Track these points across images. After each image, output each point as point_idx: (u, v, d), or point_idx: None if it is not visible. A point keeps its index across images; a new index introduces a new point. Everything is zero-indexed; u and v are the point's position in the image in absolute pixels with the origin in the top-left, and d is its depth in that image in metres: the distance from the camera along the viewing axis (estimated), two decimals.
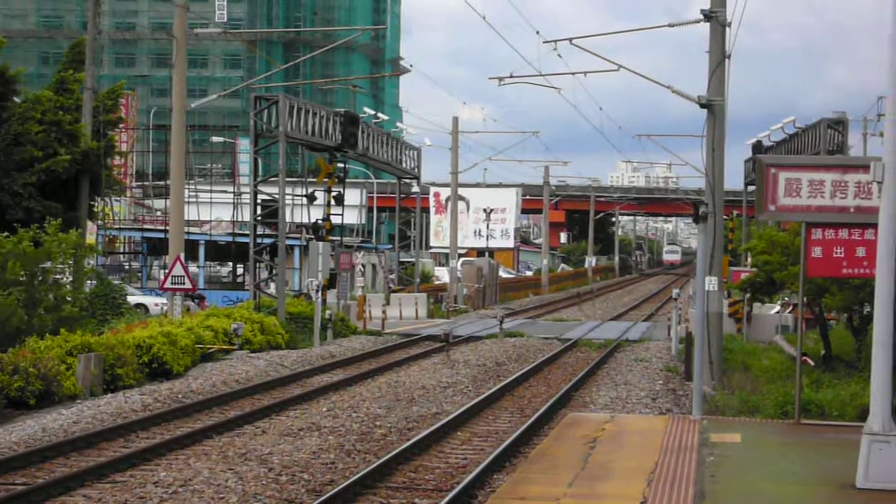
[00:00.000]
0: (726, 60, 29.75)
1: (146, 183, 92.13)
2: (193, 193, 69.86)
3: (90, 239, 41.60)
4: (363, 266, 62.18)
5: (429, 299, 60.15)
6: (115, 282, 46.66)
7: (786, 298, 43.55)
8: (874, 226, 17.27)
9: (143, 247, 66.70)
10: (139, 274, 66.09)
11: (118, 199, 67.49)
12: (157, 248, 64.02)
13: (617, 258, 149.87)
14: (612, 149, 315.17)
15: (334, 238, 49.24)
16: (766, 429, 21.74)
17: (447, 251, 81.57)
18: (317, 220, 47.44)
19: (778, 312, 44.66)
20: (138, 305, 46.66)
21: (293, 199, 58.51)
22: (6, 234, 32.97)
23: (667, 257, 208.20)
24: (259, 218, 44.98)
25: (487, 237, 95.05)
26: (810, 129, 51.21)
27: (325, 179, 48.01)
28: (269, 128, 43.13)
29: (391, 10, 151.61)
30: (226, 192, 78.94)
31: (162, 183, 79.79)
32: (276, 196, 43.81)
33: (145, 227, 70.90)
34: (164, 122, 74.66)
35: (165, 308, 40.77)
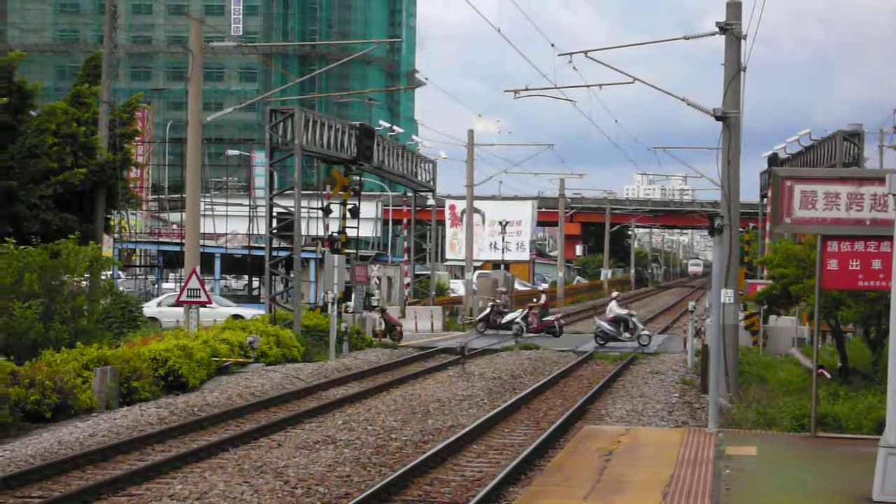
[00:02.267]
0: (741, 73, 29.75)
1: (162, 196, 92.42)
2: (209, 206, 70.05)
3: (107, 252, 41.67)
4: (378, 279, 62.16)
5: (444, 312, 60.13)
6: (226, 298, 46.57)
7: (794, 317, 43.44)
8: (890, 238, 17.25)
9: (159, 260, 66.82)
10: (155, 286, 66.15)
11: (134, 212, 67.62)
12: (172, 261, 64.14)
13: (633, 271, 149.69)
14: (627, 161, 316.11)
15: (349, 251, 49.26)
16: (783, 442, 21.70)
17: (462, 264, 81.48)
18: (332, 232, 47.49)
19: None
20: (236, 317, 46.26)
21: (309, 212, 58.61)
22: (23, 246, 33.06)
23: (691, 269, 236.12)
24: (274, 231, 45.04)
25: (503, 250, 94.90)
26: (826, 142, 51.15)
27: (341, 192, 48.07)
28: (284, 141, 43.23)
29: (406, 23, 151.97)
30: (241, 205, 79.17)
31: (178, 196, 79.99)
32: (292, 209, 43.88)
33: (161, 240, 71.02)
34: (180, 136, 74.86)
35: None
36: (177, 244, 61.70)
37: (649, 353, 46.06)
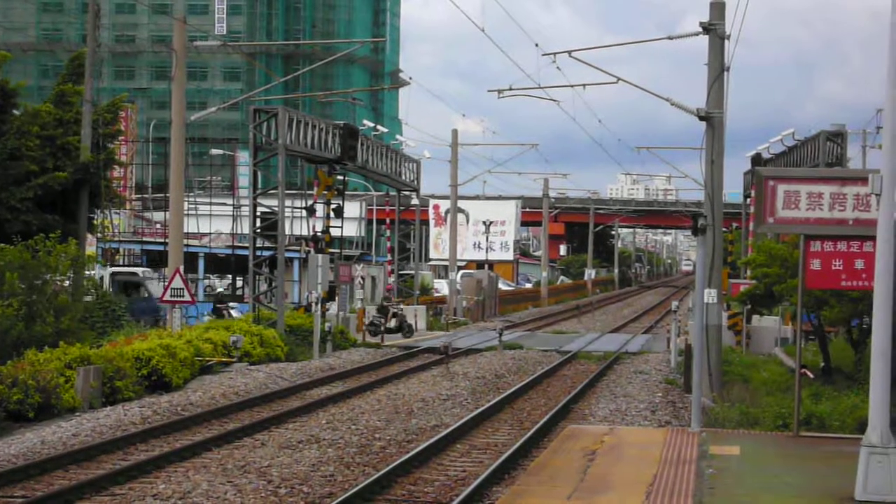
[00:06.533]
0: (725, 73, 29.78)
1: (146, 195, 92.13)
2: (193, 206, 69.88)
3: (90, 251, 41.52)
4: (362, 278, 62.13)
5: (428, 312, 60.14)
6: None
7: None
8: (873, 238, 17.28)
9: (142, 259, 66.62)
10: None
11: (118, 211, 67.43)
12: (156, 260, 63.98)
13: (616, 270, 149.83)
14: (611, 161, 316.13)
15: (334, 250, 49.21)
16: (766, 441, 21.73)
17: (446, 263, 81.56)
18: (316, 232, 47.44)
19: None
20: None
21: (292, 212, 58.51)
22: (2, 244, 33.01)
23: (683, 268, 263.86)
24: (258, 230, 44.98)
25: (487, 249, 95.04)
26: (809, 142, 51.25)
27: (325, 192, 48.02)
28: (268, 140, 43.17)
29: (390, 23, 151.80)
30: (225, 204, 78.86)
31: (161, 195, 79.75)
32: (276, 208, 43.84)
33: (145, 239, 70.83)
34: (164, 135, 74.60)
35: None
36: (160, 243, 61.53)
37: (633, 353, 46.12)
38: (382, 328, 51.63)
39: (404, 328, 53.22)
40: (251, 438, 23.73)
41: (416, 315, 58.06)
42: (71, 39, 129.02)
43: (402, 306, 55.88)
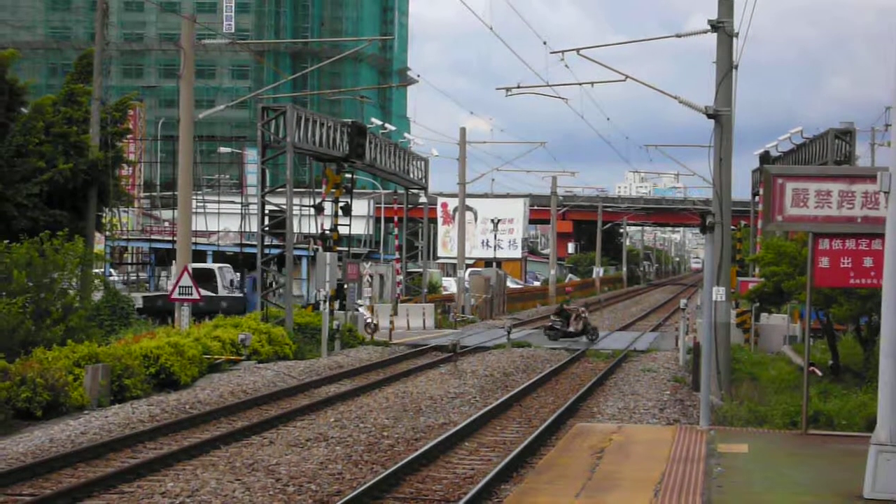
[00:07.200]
0: (733, 71, 29.72)
1: (154, 193, 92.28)
2: (201, 204, 69.96)
3: (98, 249, 41.58)
4: (370, 276, 62.19)
5: (436, 309, 60.12)
6: None
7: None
8: (881, 236, 17.26)
9: (150, 257, 66.72)
10: (146, 284, 66.08)
11: (126, 209, 67.53)
12: (164, 258, 64.09)
13: (625, 268, 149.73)
14: (619, 159, 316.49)
15: (342, 248, 49.25)
16: (774, 439, 21.71)
17: (455, 261, 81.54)
18: (324, 230, 47.46)
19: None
20: None
21: (301, 210, 58.57)
22: (10, 242, 33.03)
23: (692, 266, 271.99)
24: (266, 228, 45.03)
25: (495, 247, 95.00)
26: (818, 140, 51.21)
27: (333, 190, 48.04)
28: (276, 138, 43.20)
29: (398, 20, 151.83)
30: (233, 202, 79.04)
31: (170, 193, 79.89)
32: (284, 206, 43.84)
33: (153, 237, 70.90)
34: (172, 133, 74.73)
35: None
36: (169, 241, 61.61)
37: (641, 351, 46.07)
38: (561, 333, 49.71)
39: (589, 332, 50.03)
40: (259, 436, 23.74)
41: (424, 313, 58.08)
42: (79, 37, 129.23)
43: (583, 309, 53.05)
